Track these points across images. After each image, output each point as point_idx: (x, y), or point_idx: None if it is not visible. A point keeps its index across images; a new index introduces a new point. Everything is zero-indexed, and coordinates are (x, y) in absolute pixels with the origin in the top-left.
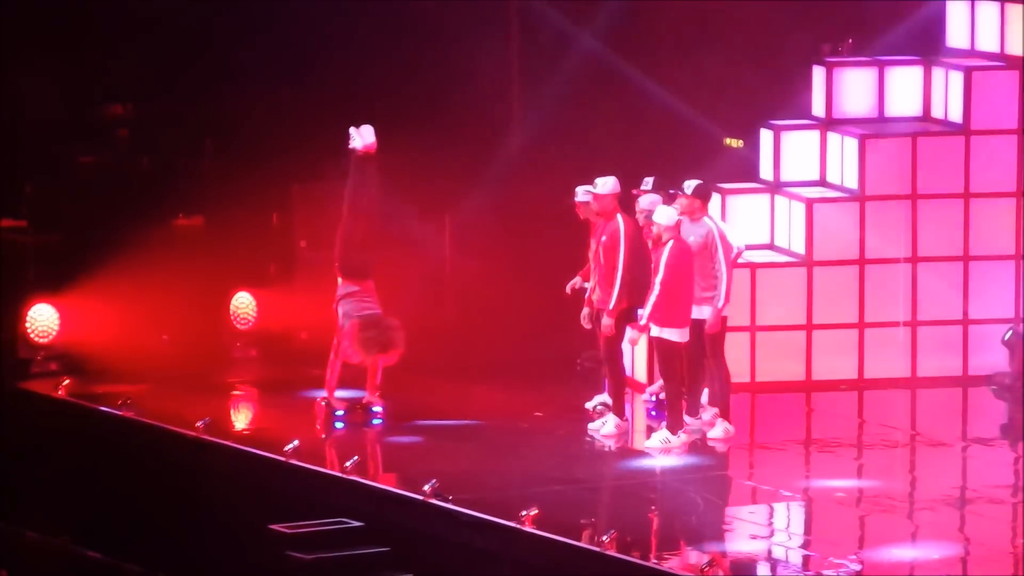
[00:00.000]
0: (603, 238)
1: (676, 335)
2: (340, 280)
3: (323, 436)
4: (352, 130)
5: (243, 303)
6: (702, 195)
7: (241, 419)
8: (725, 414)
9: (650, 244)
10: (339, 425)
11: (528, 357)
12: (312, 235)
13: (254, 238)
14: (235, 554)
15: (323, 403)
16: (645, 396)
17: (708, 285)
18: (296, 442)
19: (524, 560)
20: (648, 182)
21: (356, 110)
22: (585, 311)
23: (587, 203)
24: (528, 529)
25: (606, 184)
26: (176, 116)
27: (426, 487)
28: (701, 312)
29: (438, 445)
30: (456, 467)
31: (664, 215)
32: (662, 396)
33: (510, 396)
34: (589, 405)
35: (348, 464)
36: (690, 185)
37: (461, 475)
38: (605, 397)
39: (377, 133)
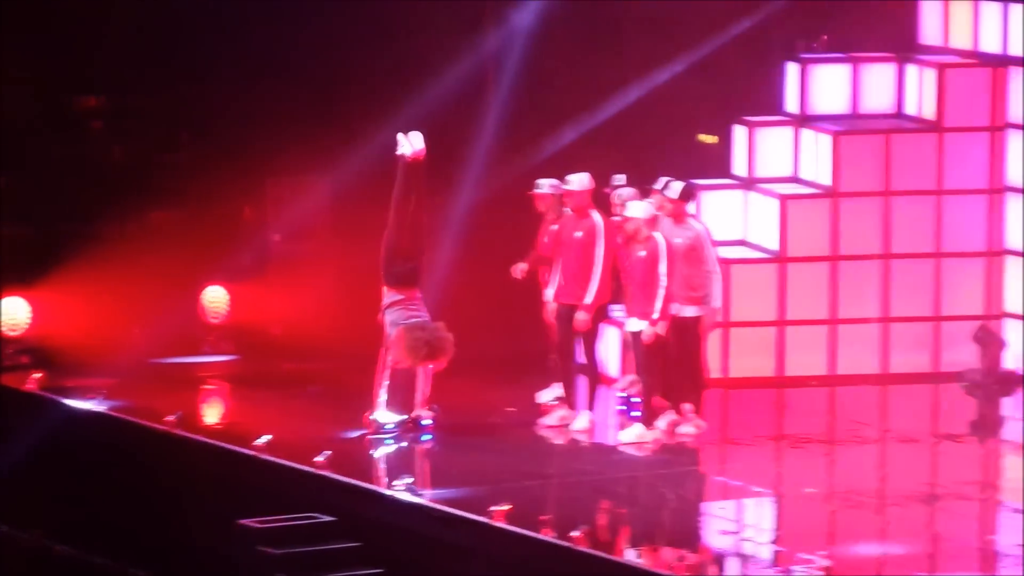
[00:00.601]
0: (577, 233)
1: (661, 329)
2: (385, 289)
3: (371, 452)
4: (400, 136)
5: (216, 297)
6: (688, 197)
7: (213, 413)
8: (698, 410)
9: (619, 239)
10: (389, 442)
11: (501, 352)
12: (286, 229)
13: (227, 232)
14: (205, 548)
15: (371, 418)
16: (616, 391)
17: (696, 285)
18: (268, 437)
19: (495, 555)
20: (619, 179)
21: (330, 104)
22: (554, 306)
23: (547, 195)
24: (499, 524)
25: (581, 180)
26: (150, 109)
27: (398, 482)
28: (683, 312)
29: (410, 440)
30: (428, 462)
31: (642, 210)
32: (631, 392)
33: (482, 391)
34: (545, 398)
35: (319, 459)
36: (676, 188)
37: (433, 470)
38: (559, 391)
39: (352, 128)
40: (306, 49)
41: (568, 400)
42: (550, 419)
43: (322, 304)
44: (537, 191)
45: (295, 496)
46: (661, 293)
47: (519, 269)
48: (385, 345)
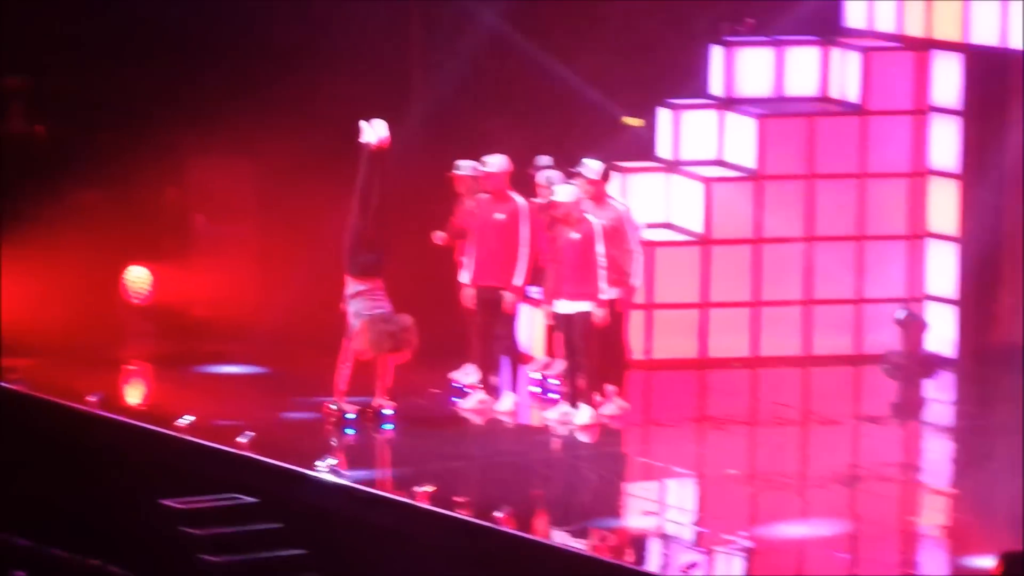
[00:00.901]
0: (497, 215)
1: (597, 309)
2: (349, 279)
3: (333, 441)
4: (363, 124)
5: (138, 277)
6: (606, 177)
7: (134, 394)
8: (620, 391)
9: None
10: (350, 431)
11: (427, 334)
12: (208, 209)
13: (150, 212)
14: (128, 529)
15: (332, 407)
16: (536, 371)
17: (617, 266)
18: (190, 417)
19: (419, 536)
20: (543, 160)
21: (255, 85)
22: (471, 291)
23: (466, 177)
24: (423, 505)
25: (499, 162)
26: (72, 89)
27: (320, 463)
28: (608, 292)
29: (333, 421)
30: (351, 442)
31: (571, 193)
32: (553, 373)
33: (407, 373)
34: (461, 380)
35: (242, 439)
36: (594, 168)
37: (356, 451)
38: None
39: (277, 108)
40: (230, 29)
41: (488, 382)
42: (469, 402)
43: (244, 284)
44: (456, 172)
45: (217, 477)
46: (602, 274)
47: (438, 236)
48: (348, 335)
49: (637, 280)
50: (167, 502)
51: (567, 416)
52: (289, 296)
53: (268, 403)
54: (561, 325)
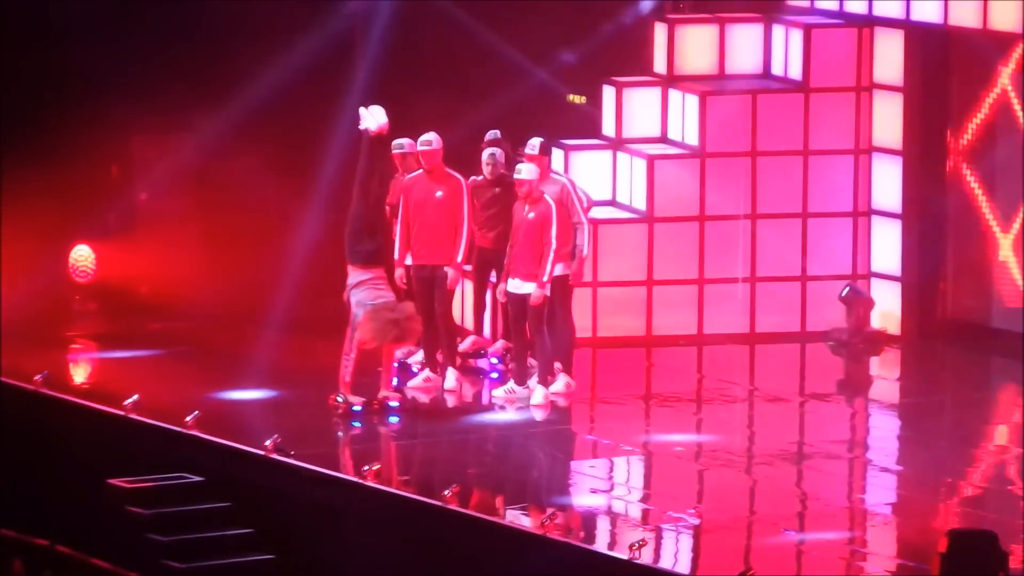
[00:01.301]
0: (438, 193)
1: (538, 291)
2: (351, 268)
3: (339, 434)
4: (363, 110)
5: (82, 256)
6: (548, 152)
7: (80, 373)
8: (567, 368)
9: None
10: (356, 424)
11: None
12: (152, 187)
13: (94, 190)
14: (75, 509)
15: (338, 399)
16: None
17: (564, 241)
18: (136, 396)
19: (367, 515)
20: (493, 134)
21: (197, 61)
22: (399, 271)
23: (401, 155)
24: (371, 484)
25: (438, 140)
26: (13, 66)
27: (268, 442)
28: (556, 269)
29: (281, 400)
30: (298, 422)
31: (531, 171)
32: (498, 351)
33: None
34: (415, 360)
35: (189, 419)
36: (535, 144)
37: (303, 430)
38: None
39: (217, 87)
40: (167, 3)
41: (432, 360)
42: (414, 380)
43: (189, 262)
44: (396, 151)
45: (164, 456)
46: (552, 257)
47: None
48: (351, 325)
49: (586, 250)
50: (115, 482)
51: (514, 394)
52: (234, 274)
53: (214, 382)
54: (512, 304)
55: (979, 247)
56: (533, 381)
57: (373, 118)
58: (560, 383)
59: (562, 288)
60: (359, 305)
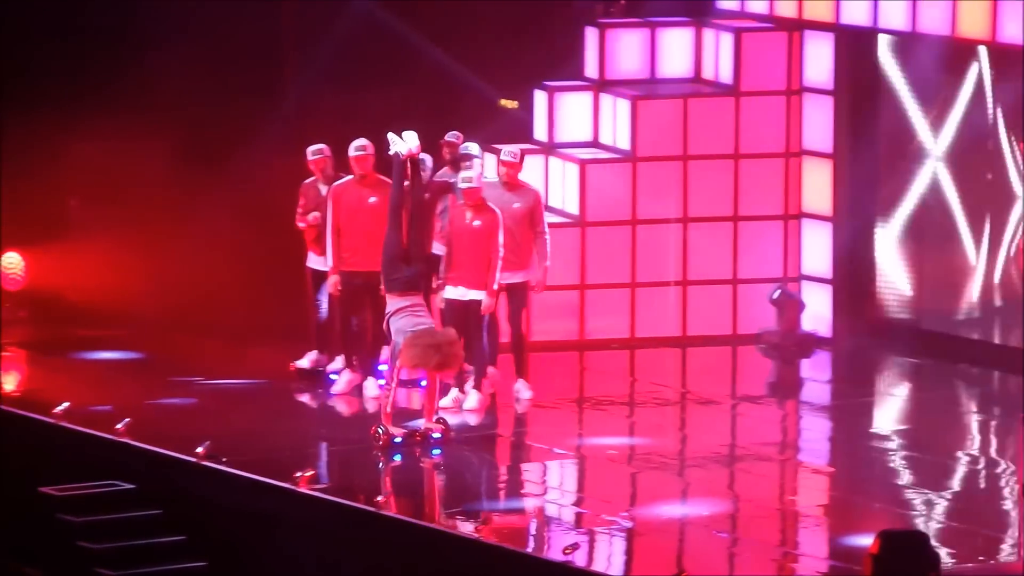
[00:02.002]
0: (372, 199)
1: (488, 299)
2: (388, 296)
3: (379, 466)
4: (391, 135)
5: (11, 263)
6: (523, 160)
7: (10, 381)
8: (523, 372)
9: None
10: (398, 456)
11: (306, 319)
12: (83, 193)
13: (23, 196)
14: (6, 517)
15: (379, 431)
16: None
17: (525, 251)
18: (67, 404)
19: (299, 521)
20: (454, 135)
21: (129, 65)
22: (334, 278)
23: (321, 160)
24: (303, 490)
25: (369, 145)
26: None
27: (199, 449)
28: (511, 278)
29: (212, 406)
30: (230, 428)
31: (479, 178)
32: None
33: (285, 357)
34: (332, 367)
35: (120, 426)
36: (514, 151)
37: (235, 436)
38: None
39: (152, 88)
40: (98, 5)
41: (353, 366)
42: (338, 386)
43: (120, 269)
44: (316, 156)
45: (95, 464)
46: (500, 264)
47: (313, 216)
48: (391, 354)
49: (548, 261)
50: (46, 489)
51: (458, 400)
52: (165, 280)
53: (145, 388)
54: (455, 311)
55: (910, 249)
56: (468, 385)
57: (404, 143)
58: (473, 398)
59: (519, 296)
60: (398, 333)
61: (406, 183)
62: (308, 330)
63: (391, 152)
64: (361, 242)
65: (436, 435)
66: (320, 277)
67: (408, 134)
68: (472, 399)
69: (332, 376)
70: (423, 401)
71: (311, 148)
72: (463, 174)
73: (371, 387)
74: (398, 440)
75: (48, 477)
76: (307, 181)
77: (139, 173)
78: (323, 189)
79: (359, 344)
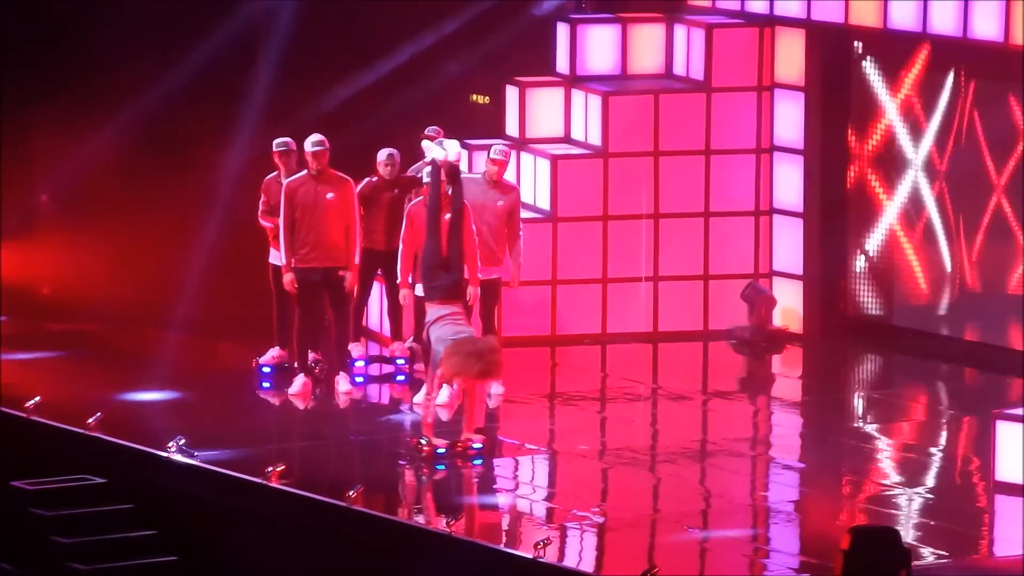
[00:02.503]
0: (329, 195)
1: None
2: (428, 304)
3: (423, 478)
4: (426, 143)
5: None
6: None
7: None
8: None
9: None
10: (440, 467)
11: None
12: (53, 189)
13: None
14: None
15: (421, 442)
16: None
17: (501, 248)
18: (37, 398)
19: (271, 516)
20: (433, 130)
21: (99, 60)
22: (288, 276)
23: (284, 154)
24: (274, 485)
25: (324, 140)
26: None
27: (171, 444)
28: (488, 274)
29: (184, 401)
30: (201, 423)
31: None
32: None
33: (255, 352)
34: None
35: (91, 420)
36: (500, 149)
37: (207, 432)
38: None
39: (121, 84)
40: (68, 5)
41: (303, 364)
42: (294, 387)
43: (91, 264)
44: (280, 149)
45: (67, 458)
46: (474, 262)
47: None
48: (432, 364)
49: (521, 257)
50: (17, 484)
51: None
52: (136, 275)
53: (116, 383)
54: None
55: (882, 246)
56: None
57: (442, 149)
58: (444, 393)
59: (496, 292)
60: (439, 341)
61: (448, 191)
62: (271, 326)
63: (427, 160)
64: (319, 238)
65: (477, 445)
66: (280, 272)
67: (449, 142)
68: (443, 394)
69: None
70: (464, 411)
71: (277, 141)
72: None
73: (343, 382)
74: (441, 451)
75: (19, 471)
76: (269, 176)
77: (108, 168)
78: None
79: (320, 341)
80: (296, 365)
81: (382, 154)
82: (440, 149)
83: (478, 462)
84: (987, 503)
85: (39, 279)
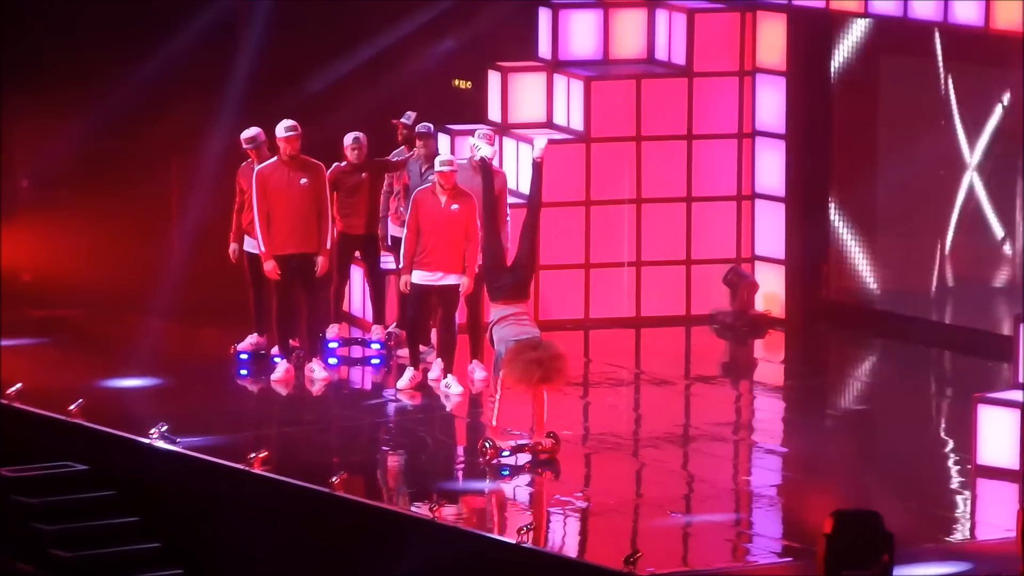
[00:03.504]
0: (303, 181)
1: (463, 279)
2: (491, 305)
3: (488, 483)
4: (473, 139)
5: None
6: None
7: None
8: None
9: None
10: (505, 472)
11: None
12: (33, 174)
13: None
14: None
15: (486, 445)
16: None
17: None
18: (19, 385)
19: (253, 502)
20: (410, 116)
21: (80, 50)
22: (270, 263)
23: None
24: (257, 471)
25: (296, 126)
26: None
27: (153, 430)
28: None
29: (166, 387)
30: (184, 409)
31: (455, 162)
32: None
33: (239, 338)
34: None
35: (73, 407)
36: (488, 133)
37: (189, 418)
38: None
39: (100, 70)
40: None
41: (284, 350)
42: (276, 374)
43: (72, 250)
44: (248, 147)
45: (48, 445)
46: (476, 248)
47: (232, 248)
48: (495, 364)
49: (509, 243)
50: None
51: (449, 388)
52: (117, 261)
53: (98, 369)
54: (421, 295)
55: (863, 230)
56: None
57: (492, 148)
58: (406, 377)
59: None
60: (501, 342)
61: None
62: (248, 313)
63: (476, 157)
64: (295, 224)
65: (544, 453)
66: (256, 260)
67: (538, 139)
68: (405, 378)
69: (276, 359)
70: (532, 415)
71: (244, 135)
72: (441, 157)
73: (317, 369)
74: (506, 454)
75: (1, 458)
76: (244, 164)
77: (88, 154)
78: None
79: (296, 327)
80: (276, 351)
81: (348, 138)
82: (489, 147)
83: (542, 464)
84: (969, 486)
85: (20, 265)
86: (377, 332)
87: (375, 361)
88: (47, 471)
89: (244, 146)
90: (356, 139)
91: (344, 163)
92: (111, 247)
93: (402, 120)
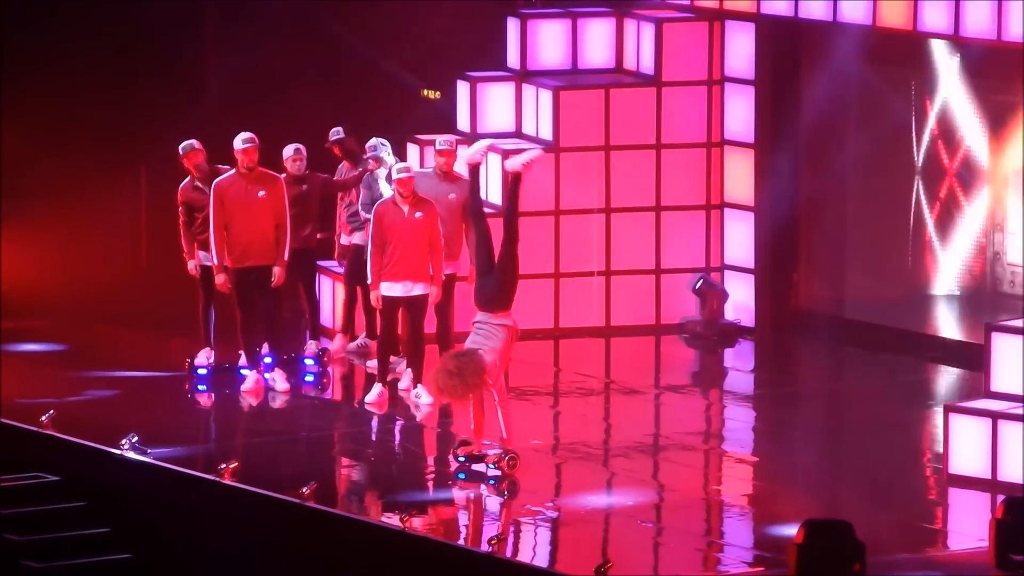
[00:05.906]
0: (261, 193)
1: (431, 289)
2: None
3: (457, 493)
4: (480, 143)
5: None
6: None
7: None
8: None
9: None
10: (461, 476)
11: (226, 309)
12: (8, 184)
13: None
14: None
15: (458, 458)
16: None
17: (456, 242)
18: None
19: (223, 513)
20: (337, 132)
21: (47, 58)
22: (221, 277)
23: (195, 153)
24: (227, 482)
25: (253, 138)
26: None
27: (124, 441)
28: (445, 268)
29: (136, 398)
30: (154, 420)
31: (411, 169)
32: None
33: (191, 350)
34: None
35: (44, 418)
36: (448, 140)
37: (160, 429)
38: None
39: (78, 84)
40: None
41: (252, 360)
42: (246, 385)
43: (45, 261)
44: (187, 151)
45: (19, 456)
46: (441, 256)
47: (192, 265)
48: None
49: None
50: None
51: (419, 398)
52: (90, 273)
53: (69, 380)
54: (393, 308)
55: (832, 239)
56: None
57: (519, 159)
58: (374, 392)
59: (450, 287)
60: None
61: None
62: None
63: (471, 162)
64: (253, 237)
65: (510, 457)
66: (209, 273)
67: (530, 151)
68: (373, 393)
69: (243, 371)
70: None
71: (183, 145)
72: (397, 165)
73: (278, 380)
74: (461, 459)
75: None
76: (184, 182)
77: (62, 165)
78: (200, 185)
79: (258, 339)
80: (243, 362)
81: (288, 150)
82: (517, 159)
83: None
84: (940, 496)
85: None
86: (312, 347)
87: (308, 378)
88: (18, 482)
89: (183, 161)
90: (297, 150)
91: (284, 175)
92: (80, 256)
93: (331, 138)
